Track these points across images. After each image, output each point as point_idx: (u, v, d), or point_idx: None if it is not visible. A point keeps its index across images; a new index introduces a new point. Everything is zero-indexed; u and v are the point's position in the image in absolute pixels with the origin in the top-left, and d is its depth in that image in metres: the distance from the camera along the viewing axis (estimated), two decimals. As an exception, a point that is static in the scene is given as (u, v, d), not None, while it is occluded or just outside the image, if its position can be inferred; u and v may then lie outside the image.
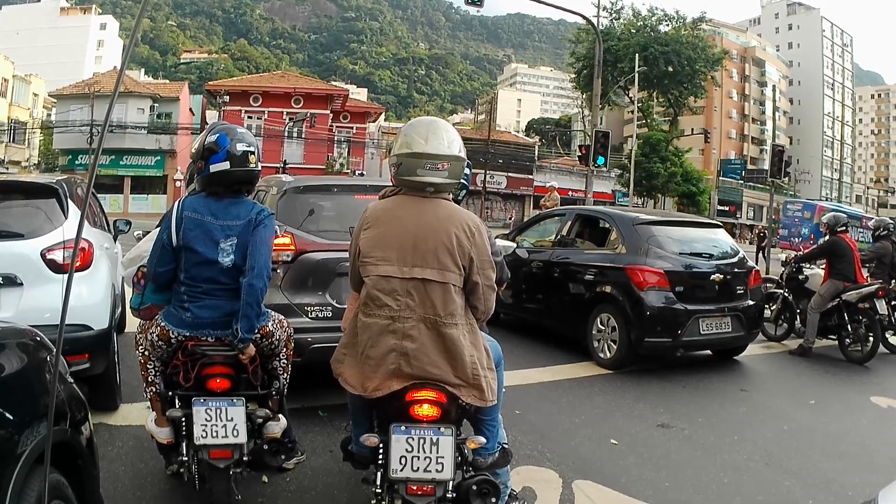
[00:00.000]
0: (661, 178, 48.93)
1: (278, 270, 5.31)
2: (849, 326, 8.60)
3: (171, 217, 3.62)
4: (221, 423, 3.44)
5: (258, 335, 3.62)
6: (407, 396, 3.12)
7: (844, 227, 9.11)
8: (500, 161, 53.97)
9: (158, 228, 3.80)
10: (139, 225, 7.01)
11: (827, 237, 9.15)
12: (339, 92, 51.38)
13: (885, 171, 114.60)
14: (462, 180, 3.55)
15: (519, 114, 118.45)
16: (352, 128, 51.59)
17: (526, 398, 6.20)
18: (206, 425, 3.41)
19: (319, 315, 5.55)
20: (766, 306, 9.35)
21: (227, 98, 45.50)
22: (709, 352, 8.41)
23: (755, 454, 5.17)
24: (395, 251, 3.12)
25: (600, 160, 19.12)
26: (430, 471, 3.07)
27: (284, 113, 47.19)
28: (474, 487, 3.14)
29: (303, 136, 47.61)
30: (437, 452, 3.07)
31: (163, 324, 3.60)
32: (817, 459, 5.16)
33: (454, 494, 3.13)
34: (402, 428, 3.09)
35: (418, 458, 3.07)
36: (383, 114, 56.31)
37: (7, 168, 51.71)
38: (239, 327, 3.47)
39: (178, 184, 43.43)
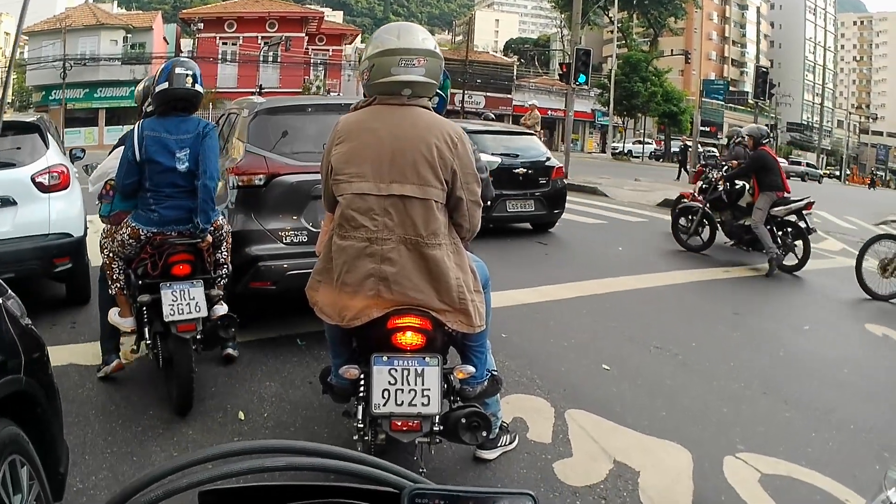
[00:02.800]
0: (642, 97, 48.66)
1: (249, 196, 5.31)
2: (779, 239, 8.97)
3: (133, 137, 4.21)
4: (185, 301, 4.03)
5: (212, 227, 4.29)
6: (388, 324, 2.90)
7: (767, 140, 9.57)
8: (479, 81, 53.44)
9: (114, 153, 4.75)
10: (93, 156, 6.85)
11: (751, 152, 9.41)
12: (314, 14, 50.24)
13: (867, 97, 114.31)
14: (440, 92, 3.43)
15: (497, 34, 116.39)
16: (328, 50, 50.30)
17: (511, 321, 5.90)
18: (173, 305, 4.00)
19: (294, 240, 5.35)
20: (686, 217, 10.20)
21: (201, 25, 45.20)
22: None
23: (752, 381, 4.99)
24: (371, 166, 2.87)
25: (581, 78, 18.93)
26: (415, 404, 2.87)
27: (259, 37, 45.99)
28: (463, 420, 2.92)
29: (278, 60, 46.60)
30: (423, 384, 2.88)
31: (133, 224, 4.20)
32: (816, 388, 4.99)
33: (441, 427, 2.94)
34: (384, 359, 2.89)
35: (402, 390, 2.88)
36: (359, 36, 55.18)
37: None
38: (199, 220, 4.14)
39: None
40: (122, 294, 4.35)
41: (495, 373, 3.44)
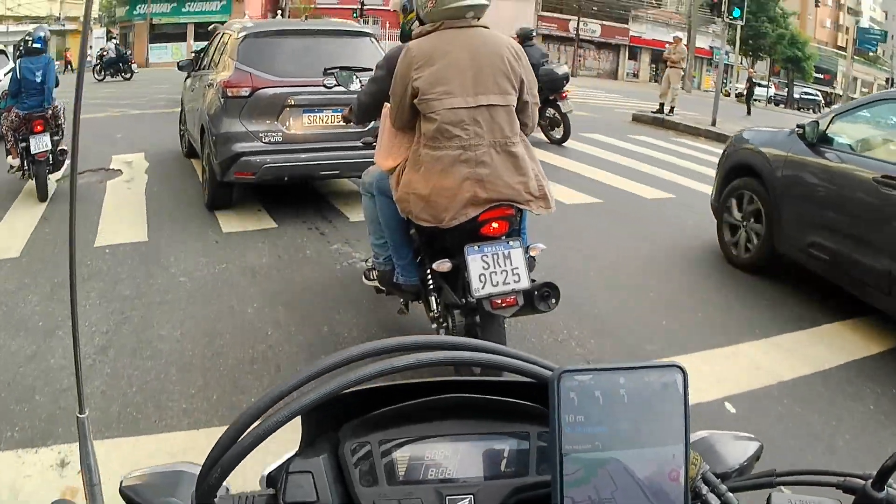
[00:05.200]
0: (769, 38, 46.02)
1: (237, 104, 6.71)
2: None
3: (16, 67, 7.87)
4: (44, 144, 7.59)
5: (51, 109, 7.85)
6: (480, 218, 3.26)
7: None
8: (595, 8, 51.14)
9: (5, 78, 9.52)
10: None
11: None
12: None
13: None
14: None
15: None
16: None
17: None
18: (37, 144, 7.51)
19: (272, 140, 6.73)
20: None
21: None
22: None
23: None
24: (457, 83, 3.22)
25: (736, 12, 17.40)
26: (508, 283, 3.25)
27: None
28: (536, 292, 3.35)
29: None
30: (512, 264, 3.27)
31: (16, 110, 7.71)
32: None
33: (521, 304, 3.32)
34: (476, 248, 3.24)
35: (496, 272, 3.25)
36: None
37: (63, 24, 50.87)
38: (46, 103, 7.73)
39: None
40: (13, 146, 7.88)
41: None
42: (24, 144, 7.74)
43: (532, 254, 3.53)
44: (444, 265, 3.39)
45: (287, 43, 7.19)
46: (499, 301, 3.27)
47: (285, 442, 0.87)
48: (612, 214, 7.66)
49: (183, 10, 44.97)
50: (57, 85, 7.96)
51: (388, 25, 43.16)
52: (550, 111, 12.11)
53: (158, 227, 6.78)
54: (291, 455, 0.84)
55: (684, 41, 24.25)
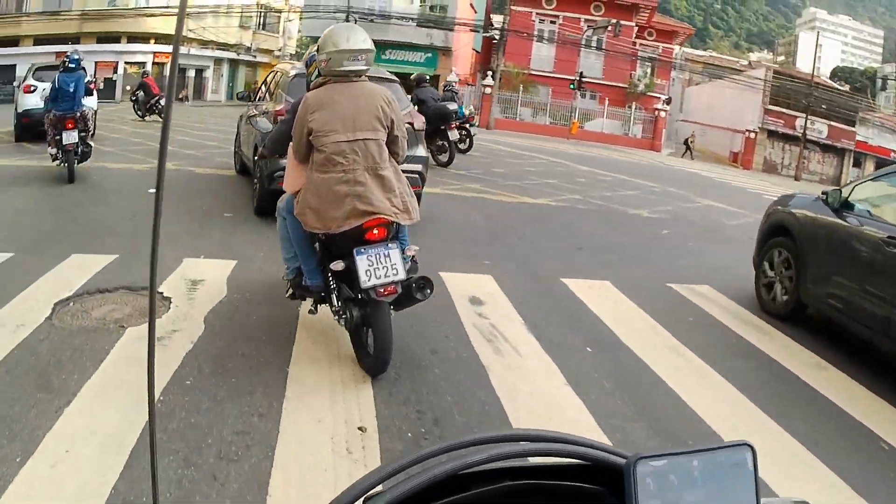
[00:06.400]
0: None
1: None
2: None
3: (55, 81, 10.61)
4: (72, 138, 10.29)
5: (80, 112, 10.54)
6: (364, 226, 4.19)
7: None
8: (824, 107, 45.12)
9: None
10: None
11: None
12: (646, 3, 42.41)
13: None
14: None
15: (819, 59, 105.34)
16: (657, 46, 44.37)
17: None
18: (67, 138, 10.28)
19: None
20: None
21: None
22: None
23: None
24: (340, 123, 4.24)
25: None
26: (389, 276, 4.17)
27: (582, 20, 40.88)
28: (414, 284, 4.30)
29: (602, 47, 40.89)
30: (391, 261, 4.20)
31: (54, 112, 10.42)
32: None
33: (400, 292, 4.26)
34: (362, 250, 4.16)
35: (378, 268, 4.16)
36: (691, 35, 49.13)
37: (255, 56, 51.39)
38: (76, 107, 10.47)
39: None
40: (52, 139, 10.50)
41: (413, 255, 4.69)
42: (57, 138, 10.35)
43: (408, 254, 4.43)
44: (338, 265, 4.28)
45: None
46: (382, 290, 4.14)
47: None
48: None
49: (382, 57, 40.14)
50: (90, 94, 12.08)
51: (606, 101, 40.09)
52: (439, 140, 15.20)
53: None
54: None
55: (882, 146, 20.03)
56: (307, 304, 5.08)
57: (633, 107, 40.49)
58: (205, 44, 46.01)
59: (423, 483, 0.79)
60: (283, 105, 8.40)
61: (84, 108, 10.70)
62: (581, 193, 14.28)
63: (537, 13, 42.00)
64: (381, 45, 39.24)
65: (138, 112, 25.07)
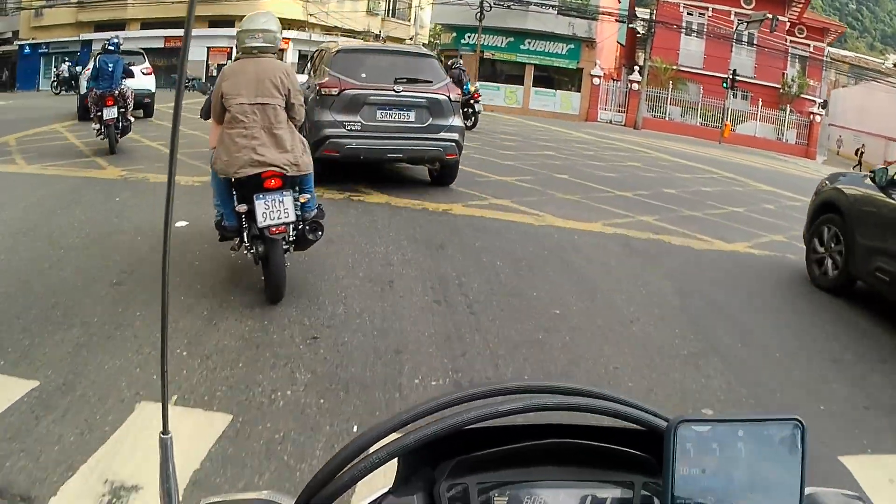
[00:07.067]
0: None
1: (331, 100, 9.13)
2: None
3: (96, 61, 12.29)
4: (112, 114, 11.64)
5: (118, 90, 11.88)
6: (263, 176, 5.07)
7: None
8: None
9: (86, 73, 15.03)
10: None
11: None
12: None
13: None
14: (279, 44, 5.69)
15: None
16: (808, 45, 39.95)
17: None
18: (108, 113, 11.61)
19: (353, 128, 9.12)
20: None
21: None
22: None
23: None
24: (245, 89, 5.15)
25: None
26: (281, 217, 5.10)
27: (732, 13, 37.27)
28: (307, 227, 5.41)
29: (754, 43, 37.21)
30: (284, 206, 5.11)
31: (95, 90, 11.81)
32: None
33: (295, 236, 5.40)
34: (261, 196, 5.06)
35: (272, 211, 5.07)
36: (843, 33, 44.89)
37: (384, 42, 49.43)
38: (114, 85, 11.84)
39: (595, 80, 36.58)
40: (95, 115, 11.82)
41: (321, 206, 5.77)
42: (99, 113, 11.75)
43: (301, 201, 5.36)
44: (242, 207, 5.22)
45: (369, 58, 9.91)
46: (274, 229, 5.07)
47: (379, 476, 0.83)
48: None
49: (521, 47, 38.02)
50: (130, 76, 12.93)
51: (759, 103, 36.82)
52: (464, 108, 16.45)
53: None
54: (385, 492, 0.84)
55: None
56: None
57: (787, 109, 36.93)
58: (328, 30, 44.42)
59: (449, 428, 0.76)
60: (326, 79, 9.31)
61: (123, 87, 12.06)
62: (782, 232, 10.15)
63: (685, 4, 38.51)
64: (519, 35, 37.53)
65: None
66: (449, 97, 9.59)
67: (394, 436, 0.78)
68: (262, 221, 5.01)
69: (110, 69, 11.89)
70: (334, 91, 9.04)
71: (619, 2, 41.16)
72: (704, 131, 35.42)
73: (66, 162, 11.15)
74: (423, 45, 53.10)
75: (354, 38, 46.32)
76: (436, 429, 0.76)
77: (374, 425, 0.78)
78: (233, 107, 5.11)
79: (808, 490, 0.81)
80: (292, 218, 5.13)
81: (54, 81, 36.20)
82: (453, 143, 9.65)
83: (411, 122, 9.39)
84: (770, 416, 0.72)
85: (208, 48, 42.89)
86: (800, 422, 0.71)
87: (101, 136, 11.92)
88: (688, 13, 38.53)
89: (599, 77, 36.43)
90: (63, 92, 33.06)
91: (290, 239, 5.36)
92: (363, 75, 9.31)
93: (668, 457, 0.69)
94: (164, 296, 0.84)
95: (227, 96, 5.15)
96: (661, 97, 37.13)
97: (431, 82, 9.63)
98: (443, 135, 9.58)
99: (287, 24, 41.87)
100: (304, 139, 5.55)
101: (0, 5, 48.58)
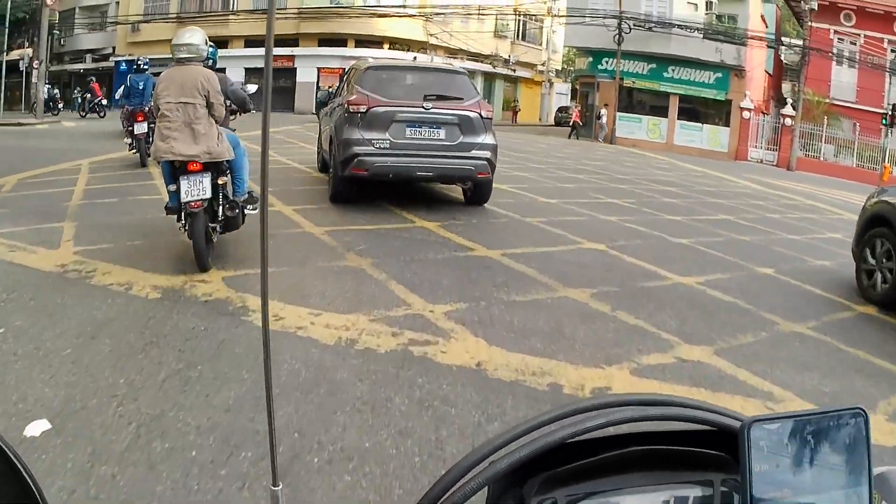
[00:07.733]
0: None
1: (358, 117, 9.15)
2: None
3: (127, 80, 14.15)
4: (143, 129, 13.08)
5: (149, 107, 11.65)
6: (188, 162, 6.16)
7: None
8: None
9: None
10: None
11: None
12: None
13: None
14: (209, 57, 6.79)
15: None
16: None
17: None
18: (138, 129, 13.16)
19: (381, 146, 9.05)
20: None
21: (814, 5, 32.48)
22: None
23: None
24: (173, 91, 6.22)
25: None
26: (199, 195, 6.17)
27: (885, 40, 33.09)
28: (227, 205, 6.53)
29: None
30: (203, 185, 6.19)
31: (127, 107, 13.90)
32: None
33: (224, 224, 6.63)
34: (185, 177, 6.15)
35: (193, 190, 6.15)
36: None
37: (514, 70, 47.29)
38: (144, 102, 13.13)
39: (745, 114, 33.69)
40: (127, 130, 13.83)
41: (252, 193, 6.98)
42: (130, 128, 13.34)
43: (220, 182, 6.40)
44: (172, 186, 6.32)
45: (398, 75, 10.08)
46: (193, 204, 6.12)
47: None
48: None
49: (664, 74, 34.91)
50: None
51: None
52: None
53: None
54: None
55: None
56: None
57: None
58: (453, 52, 42.32)
59: (540, 449, 0.79)
60: (354, 96, 9.33)
61: (150, 104, 13.26)
62: None
63: (836, 31, 34.38)
64: (662, 61, 34.70)
65: (80, 112, 32.76)
66: (480, 114, 9.42)
67: (487, 462, 0.80)
68: (184, 197, 6.17)
69: (140, 87, 13.57)
70: (362, 108, 9.10)
71: (766, 25, 37.90)
72: (861, 173, 31.54)
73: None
74: (556, 70, 51.13)
75: (481, 62, 44.05)
76: (527, 451, 0.78)
77: (469, 453, 0.80)
78: (162, 105, 6.28)
79: (880, 469, 0.88)
80: (208, 195, 6.26)
81: (79, 102, 34.77)
82: (485, 162, 9.40)
83: (441, 140, 9.24)
84: (835, 409, 0.73)
85: (318, 69, 40.87)
86: (862, 410, 0.73)
87: (133, 150, 13.57)
88: (839, 39, 34.57)
89: (750, 110, 33.76)
90: (89, 115, 32.59)
91: (220, 219, 6.55)
92: (392, 92, 9.39)
93: (744, 456, 0.71)
94: (266, 340, 0.87)
95: (159, 96, 6.35)
96: (815, 134, 33.91)
97: (462, 99, 9.50)
98: (474, 153, 9.36)
99: (406, 45, 39.71)
100: (222, 132, 6.52)
101: (98, 21, 46.82)
